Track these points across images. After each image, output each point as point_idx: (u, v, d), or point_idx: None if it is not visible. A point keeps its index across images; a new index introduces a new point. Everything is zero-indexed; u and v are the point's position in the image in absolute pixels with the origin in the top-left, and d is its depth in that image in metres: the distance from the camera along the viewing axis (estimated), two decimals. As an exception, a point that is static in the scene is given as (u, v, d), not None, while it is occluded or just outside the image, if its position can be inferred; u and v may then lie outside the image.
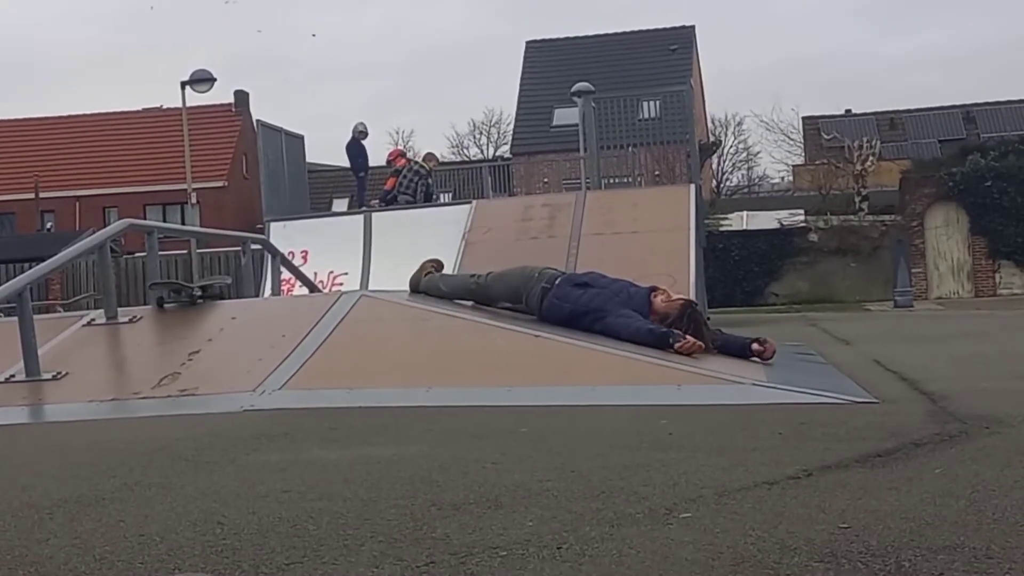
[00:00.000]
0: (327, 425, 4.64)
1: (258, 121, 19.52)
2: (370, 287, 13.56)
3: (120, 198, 41.82)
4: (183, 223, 30.93)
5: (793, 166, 46.18)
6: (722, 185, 47.99)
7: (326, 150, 67.80)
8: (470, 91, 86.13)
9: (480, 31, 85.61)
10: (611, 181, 17.47)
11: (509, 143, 43.95)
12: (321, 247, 15.31)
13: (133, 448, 4.21)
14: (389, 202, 18.57)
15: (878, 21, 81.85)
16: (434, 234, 15.06)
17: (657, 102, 18.15)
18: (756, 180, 50.77)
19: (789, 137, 45.44)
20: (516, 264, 7.07)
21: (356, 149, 20.71)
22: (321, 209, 20.61)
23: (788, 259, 27.91)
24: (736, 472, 3.25)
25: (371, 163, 21.25)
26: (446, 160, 37.39)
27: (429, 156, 20.45)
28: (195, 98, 24.46)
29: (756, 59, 78.25)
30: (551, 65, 40.70)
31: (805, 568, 2.31)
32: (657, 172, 16.54)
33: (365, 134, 20.76)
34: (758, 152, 50.20)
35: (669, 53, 40.82)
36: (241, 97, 44.33)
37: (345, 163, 21.60)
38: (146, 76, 79.10)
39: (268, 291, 13.23)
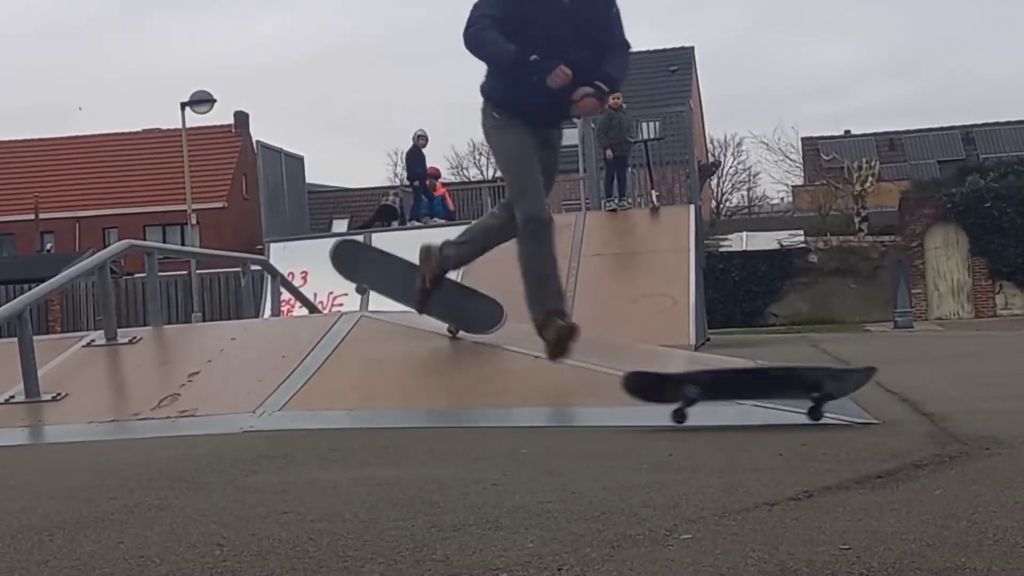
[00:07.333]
0: (327, 446, 4.64)
1: (258, 142, 19.60)
2: (370, 308, 13.56)
3: (120, 219, 41.93)
4: (183, 244, 31.10)
5: (793, 187, 46.33)
6: (722, 206, 48.06)
7: (326, 170, 67.93)
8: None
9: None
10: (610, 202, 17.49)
11: (509, 164, 43.92)
12: (321, 268, 15.24)
13: (133, 469, 4.21)
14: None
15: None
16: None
17: (656, 123, 18.18)
18: (756, 201, 50.86)
19: (788, 158, 45.62)
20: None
21: (415, 157, 20.33)
22: (321, 230, 20.65)
23: (788, 280, 27.95)
24: (737, 493, 3.24)
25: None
26: (445, 181, 37.46)
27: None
28: (195, 119, 24.54)
29: (756, 80, 78.35)
30: (551, 86, 40.78)
31: (806, 590, 2.31)
32: (657, 193, 16.55)
33: (425, 140, 20.35)
34: (758, 173, 50.31)
35: (669, 74, 40.97)
36: (241, 118, 44.46)
37: (344, 183, 21.65)
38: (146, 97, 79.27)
39: (268, 312, 13.23)
